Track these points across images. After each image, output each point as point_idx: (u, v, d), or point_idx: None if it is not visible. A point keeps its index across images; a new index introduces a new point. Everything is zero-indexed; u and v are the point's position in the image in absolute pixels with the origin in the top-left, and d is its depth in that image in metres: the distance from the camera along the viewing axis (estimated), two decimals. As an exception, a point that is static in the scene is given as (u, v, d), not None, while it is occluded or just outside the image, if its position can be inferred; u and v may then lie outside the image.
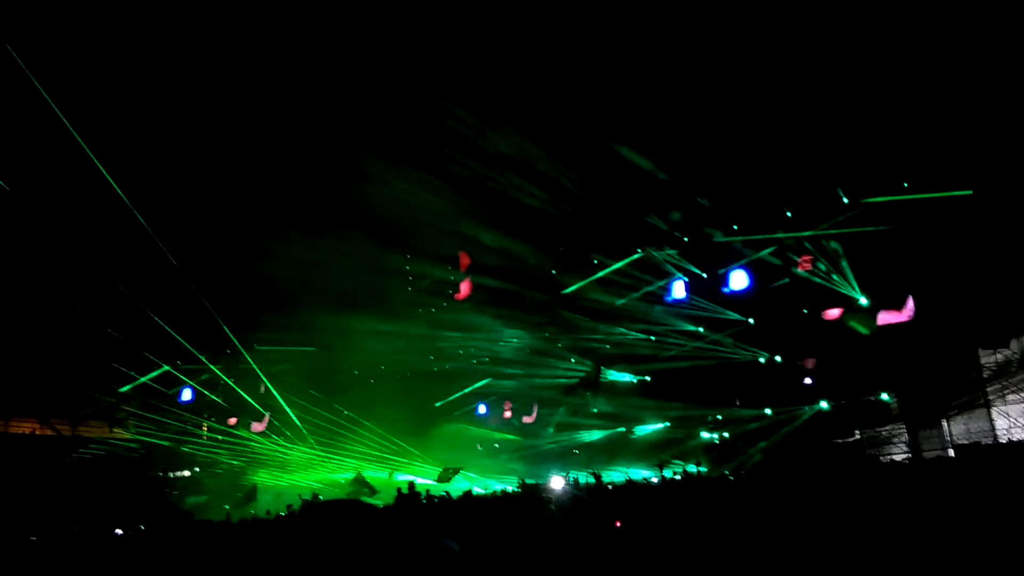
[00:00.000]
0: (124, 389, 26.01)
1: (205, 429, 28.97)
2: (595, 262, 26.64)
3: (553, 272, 27.34)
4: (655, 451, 25.27)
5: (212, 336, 25.05)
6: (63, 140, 18.44)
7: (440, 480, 25.38)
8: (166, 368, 26.17)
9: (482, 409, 29.34)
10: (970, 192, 19.71)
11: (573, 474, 20.99)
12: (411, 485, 12.22)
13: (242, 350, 25.93)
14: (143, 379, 25.92)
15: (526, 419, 28.68)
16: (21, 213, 19.80)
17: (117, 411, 26.35)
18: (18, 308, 21.92)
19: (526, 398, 28.62)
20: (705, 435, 24.55)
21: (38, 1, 17.85)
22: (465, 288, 26.22)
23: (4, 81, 17.60)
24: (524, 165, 22.71)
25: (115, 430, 25.90)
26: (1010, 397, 19.61)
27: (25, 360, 22.78)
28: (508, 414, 29.14)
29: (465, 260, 25.99)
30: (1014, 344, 19.69)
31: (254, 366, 26.58)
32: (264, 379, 26.80)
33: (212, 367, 26.27)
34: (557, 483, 17.84)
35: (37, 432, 24.11)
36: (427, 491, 17.69)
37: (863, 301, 22.25)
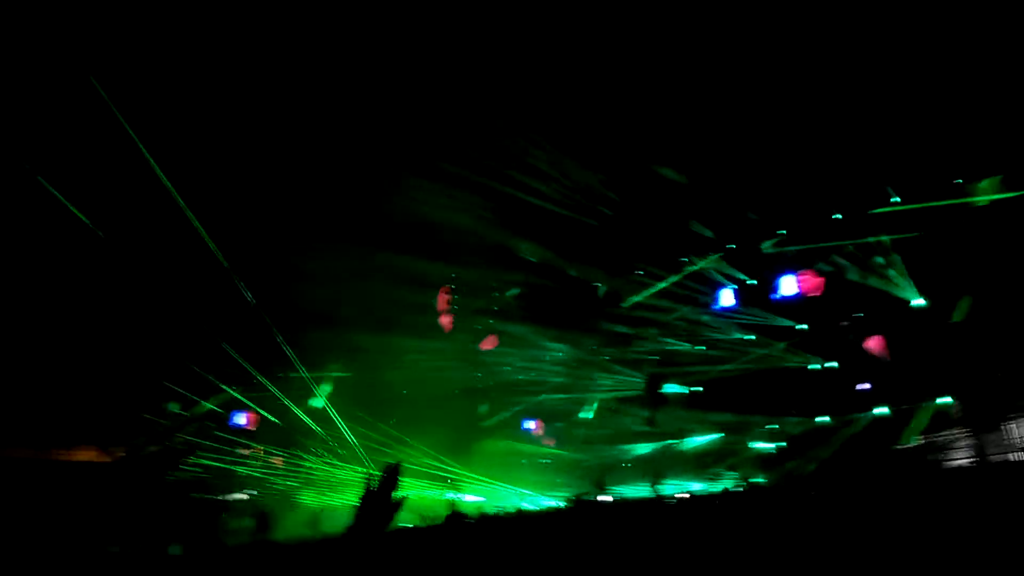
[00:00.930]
0: (175, 409, 26.61)
1: (261, 452, 29.36)
2: (641, 273, 26.51)
3: (598, 285, 27.25)
4: (707, 463, 24.88)
5: (259, 360, 25.47)
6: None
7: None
8: (225, 391, 26.68)
9: (530, 425, 29.24)
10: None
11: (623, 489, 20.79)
12: (452, 506, 12.00)
13: (304, 372, 26.31)
14: (206, 403, 26.48)
15: (534, 430, 28.83)
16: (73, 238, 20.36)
17: (172, 437, 26.84)
18: (74, 335, 22.54)
19: (567, 414, 28.54)
20: (759, 445, 24.06)
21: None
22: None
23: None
24: (567, 179, 22.77)
25: (171, 458, 26.35)
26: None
27: (84, 388, 23.36)
28: (538, 431, 29.21)
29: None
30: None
31: (313, 386, 26.91)
32: (323, 398, 27.05)
33: (273, 389, 26.66)
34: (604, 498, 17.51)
35: (95, 460, 24.64)
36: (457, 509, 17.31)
37: (919, 301, 21.72)
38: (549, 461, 28.48)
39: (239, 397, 27.69)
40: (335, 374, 28.94)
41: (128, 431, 25.30)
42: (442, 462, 27.45)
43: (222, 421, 28.49)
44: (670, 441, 26.02)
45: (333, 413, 27.37)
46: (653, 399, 26.21)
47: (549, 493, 26.11)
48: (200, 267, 22.27)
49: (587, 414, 27.81)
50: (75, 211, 19.50)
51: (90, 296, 22.40)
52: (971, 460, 19.62)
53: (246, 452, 28.32)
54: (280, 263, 23.98)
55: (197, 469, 27.39)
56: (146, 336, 23.88)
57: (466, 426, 28.61)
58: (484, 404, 29.00)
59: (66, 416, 23.78)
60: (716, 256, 25.14)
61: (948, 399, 20.92)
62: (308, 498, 27.55)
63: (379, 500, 7.59)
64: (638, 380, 26.66)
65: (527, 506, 25.00)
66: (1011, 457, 18.98)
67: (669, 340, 26.16)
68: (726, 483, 22.98)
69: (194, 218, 20.59)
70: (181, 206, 20.34)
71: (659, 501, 16.16)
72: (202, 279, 22.75)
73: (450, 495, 26.21)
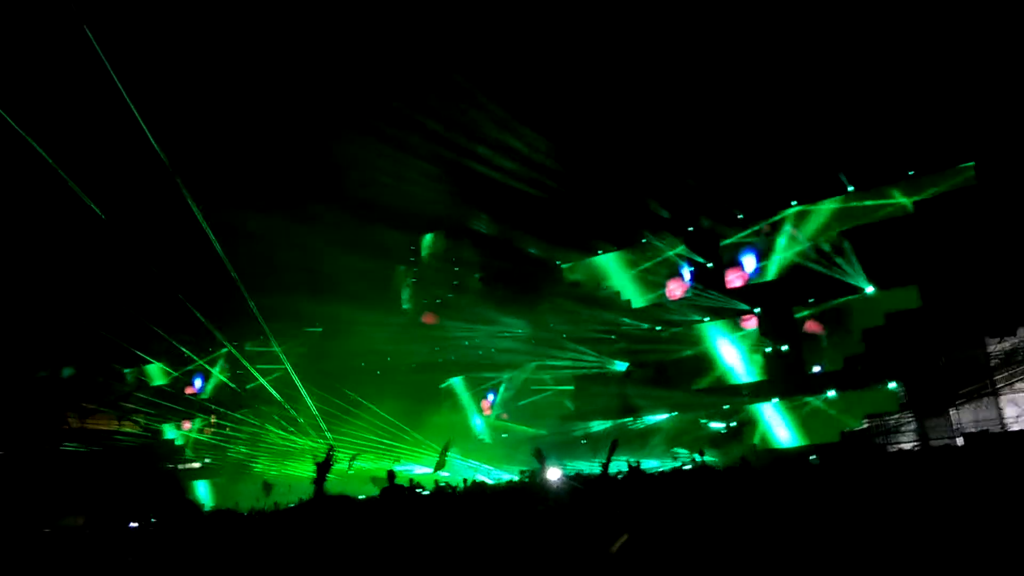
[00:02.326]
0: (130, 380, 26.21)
1: (213, 419, 29.10)
2: (599, 251, 26.67)
3: (558, 262, 27.38)
4: (665, 441, 25.30)
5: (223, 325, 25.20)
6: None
7: (439, 467, 25.42)
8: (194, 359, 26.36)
9: (489, 399, 29.41)
10: (971, 164, 19.78)
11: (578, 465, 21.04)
12: (391, 474, 11.61)
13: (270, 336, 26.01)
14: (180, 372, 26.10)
15: (484, 406, 29.11)
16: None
17: (124, 402, 26.47)
18: (26, 301, 22.02)
19: (524, 391, 28.77)
20: (713, 425, 24.55)
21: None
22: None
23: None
24: (528, 154, 22.71)
25: (123, 423, 26.02)
26: (1018, 385, 19.56)
27: (36, 354, 22.90)
28: (487, 410, 29.41)
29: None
30: (1021, 332, 19.64)
31: (278, 351, 26.59)
32: (287, 363, 26.77)
33: (235, 353, 26.32)
34: (554, 474, 17.65)
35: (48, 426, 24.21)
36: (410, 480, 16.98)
37: (869, 290, 22.24)
38: (506, 436, 28.74)
39: (200, 362, 27.36)
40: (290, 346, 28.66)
41: (81, 395, 24.94)
42: (399, 433, 27.50)
43: (179, 387, 28.18)
44: (626, 419, 26.40)
45: (295, 378, 27.14)
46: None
47: (506, 467, 26.35)
48: (166, 232, 21.93)
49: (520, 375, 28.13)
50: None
51: (44, 255, 21.90)
52: (915, 444, 20.35)
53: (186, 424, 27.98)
54: (244, 230, 23.65)
55: (147, 434, 27.06)
56: (103, 297, 23.43)
57: (424, 399, 28.68)
58: (443, 377, 29.10)
59: (13, 380, 23.32)
60: (676, 239, 25.45)
61: (894, 384, 21.55)
62: (263, 466, 27.43)
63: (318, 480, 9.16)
64: (593, 358, 26.97)
65: (483, 479, 25.22)
66: (954, 442, 19.69)
67: (625, 319, 26.46)
68: (678, 462, 23.45)
69: (181, 188, 20.19)
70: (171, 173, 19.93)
71: (608, 476, 16.40)
72: (168, 244, 22.39)
73: (399, 467, 26.34)
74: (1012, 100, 17.74)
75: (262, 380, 26.65)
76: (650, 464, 23.35)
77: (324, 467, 9.33)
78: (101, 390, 25.74)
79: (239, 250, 23.00)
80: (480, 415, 29.49)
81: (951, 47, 17.57)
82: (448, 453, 23.99)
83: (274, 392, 26.75)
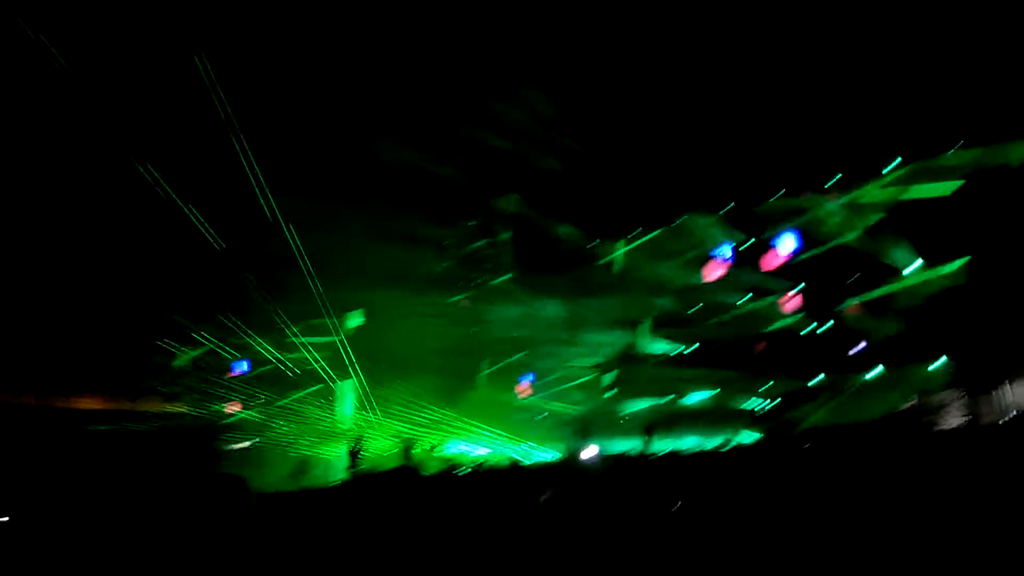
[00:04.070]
0: (178, 363, 26.67)
1: (262, 400, 29.58)
2: (640, 230, 26.47)
3: (597, 241, 27.24)
4: (706, 420, 25.16)
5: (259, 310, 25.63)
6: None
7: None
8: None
9: (527, 380, 29.46)
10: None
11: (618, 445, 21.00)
12: (407, 449, 10.95)
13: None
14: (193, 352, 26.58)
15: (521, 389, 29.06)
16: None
17: (173, 385, 27.00)
18: (70, 290, 22.60)
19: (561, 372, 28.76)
20: (756, 404, 24.34)
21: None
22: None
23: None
24: (562, 136, 22.60)
25: (174, 404, 26.54)
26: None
27: (85, 339, 23.46)
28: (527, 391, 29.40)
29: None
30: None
31: (336, 336, 26.97)
32: (341, 342, 27.11)
33: (290, 333, 26.76)
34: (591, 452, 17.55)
35: (99, 408, 24.85)
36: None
37: (917, 265, 21.80)
38: (547, 414, 28.78)
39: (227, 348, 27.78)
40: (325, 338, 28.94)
41: (132, 378, 25.49)
42: (438, 413, 27.71)
43: (223, 370, 28.63)
44: (666, 398, 26.29)
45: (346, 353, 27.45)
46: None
47: (547, 446, 26.43)
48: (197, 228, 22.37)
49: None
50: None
51: (89, 246, 22.42)
52: (964, 422, 19.91)
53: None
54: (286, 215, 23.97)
55: (196, 415, 27.58)
56: (146, 284, 23.92)
57: (462, 379, 28.83)
58: (482, 359, 29.19)
59: (68, 363, 23.95)
60: (716, 217, 25.16)
61: (943, 361, 21.13)
62: (302, 447, 27.81)
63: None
64: (634, 340, 26.88)
65: (521, 458, 25.34)
66: (1002, 421, 19.25)
67: (665, 299, 26.28)
68: (719, 439, 23.31)
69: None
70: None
71: (649, 456, 16.37)
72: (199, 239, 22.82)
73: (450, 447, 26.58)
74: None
75: (313, 357, 27.07)
76: (690, 442, 23.29)
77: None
78: (151, 372, 26.29)
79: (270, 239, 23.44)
80: (519, 397, 29.60)
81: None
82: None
83: (325, 369, 27.16)
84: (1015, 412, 18.84)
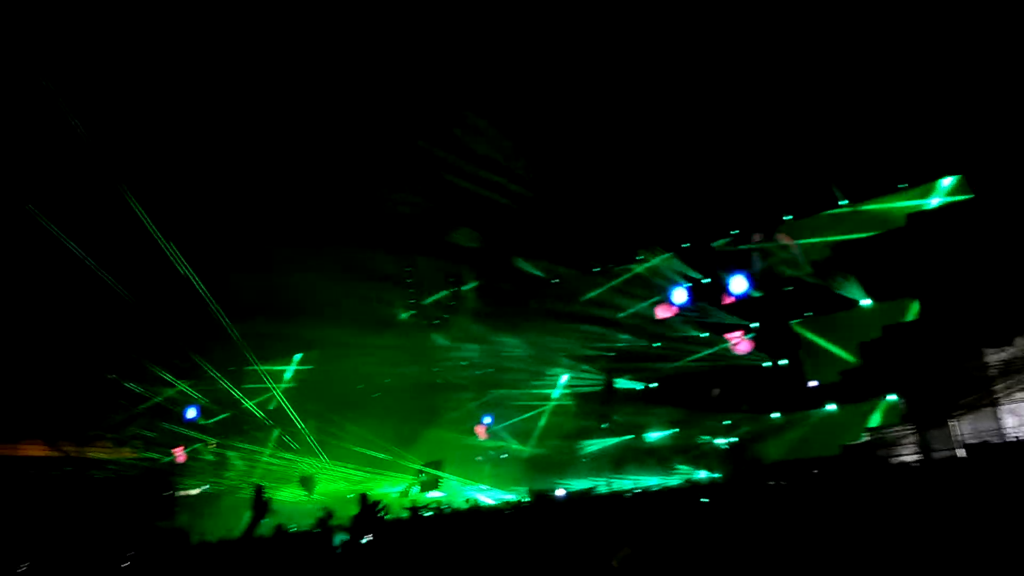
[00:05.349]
0: (142, 407, 26.17)
1: (213, 446, 28.96)
2: (596, 269, 26.71)
3: (555, 281, 27.38)
4: (663, 457, 25.21)
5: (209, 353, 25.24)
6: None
7: (424, 488, 25.25)
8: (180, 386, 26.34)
9: (486, 421, 29.31)
10: (958, 177, 19.84)
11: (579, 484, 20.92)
12: (363, 497, 10.71)
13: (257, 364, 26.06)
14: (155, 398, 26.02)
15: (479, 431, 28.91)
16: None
17: (125, 430, 26.33)
18: (21, 329, 21.95)
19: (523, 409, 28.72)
20: (714, 441, 24.48)
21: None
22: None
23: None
24: (517, 171, 22.74)
25: (123, 451, 25.87)
26: (1017, 395, 19.53)
27: (31, 382, 22.77)
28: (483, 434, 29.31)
29: None
30: (1019, 342, 19.64)
31: (270, 384, 26.72)
32: (278, 393, 26.92)
33: (227, 384, 26.33)
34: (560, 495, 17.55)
35: (44, 455, 24.05)
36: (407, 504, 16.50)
37: (866, 302, 22.27)
38: (506, 456, 28.59)
39: (190, 392, 27.30)
40: (285, 367, 28.75)
41: (77, 425, 24.77)
42: (396, 456, 27.39)
43: (172, 416, 28.05)
44: (625, 437, 26.31)
45: (287, 406, 27.19)
46: (608, 396, 26.53)
47: (507, 488, 26.22)
48: (151, 260, 21.89)
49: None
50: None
51: (34, 286, 21.86)
52: (916, 456, 20.29)
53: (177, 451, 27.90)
54: (232, 255, 23.66)
55: (145, 463, 26.90)
56: (94, 329, 23.38)
57: (422, 420, 28.58)
58: (440, 398, 28.99)
59: (11, 410, 23.19)
60: (668, 255, 25.50)
61: (895, 397, 21.52)
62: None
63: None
64: (593, 376, 26.95)
65: (484, 500, 25.08)
66: (956, 453, 19.64)
67: (623, 336, 26.42)
68: (680, 477, 23.36)
69: (145, 217, 20.22)
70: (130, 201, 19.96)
71: (616, 495, 16.35)
72: (152, 272, 22.34)
73: (409, 488, 26.20)
74: (1005, 108, 17.83)
75: (251, 406, 26.73)
76: (651, 481, 23.29)
77: (258, 507, 9.13)
78: (98, 418, 25.60)
79: (227, 277, 23.13)
80: (477, 438, 29.39)
81: (940, 55, 17.67)
82: (440, 472, 23.86)
83: (265, 419, 26.85)
84: (968, 444, 19.22)
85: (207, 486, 28.11)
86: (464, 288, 28.53)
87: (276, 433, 28.12)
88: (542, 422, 28.26)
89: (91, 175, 19.83)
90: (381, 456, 27.10)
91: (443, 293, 28.69)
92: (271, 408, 27.92)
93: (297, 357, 29.53)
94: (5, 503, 20.74)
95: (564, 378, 27.63)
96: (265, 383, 27.77)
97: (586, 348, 26.71)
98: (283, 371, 29.22)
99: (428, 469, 26.52)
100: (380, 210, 23.90)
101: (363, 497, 11.27)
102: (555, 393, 27.95)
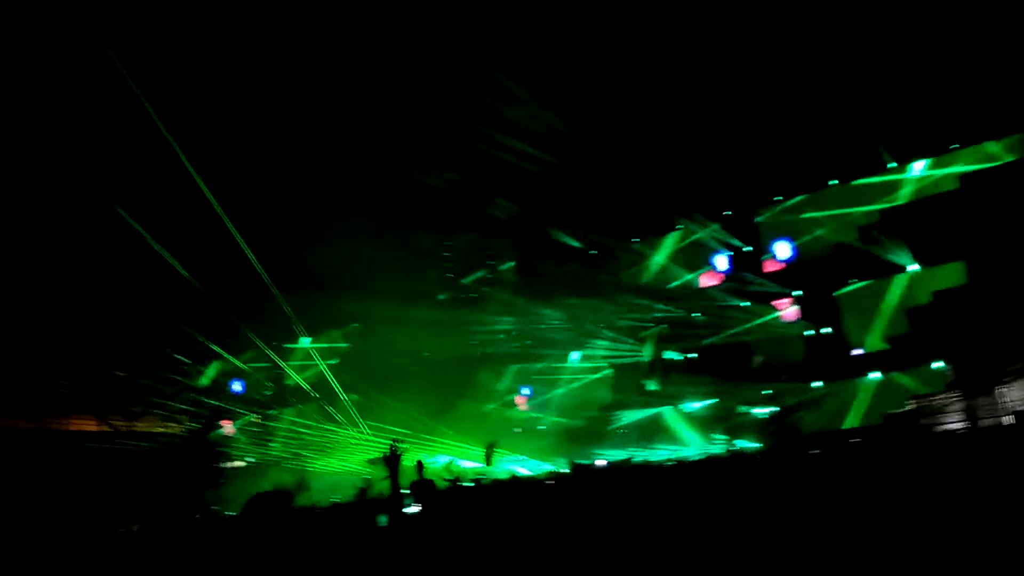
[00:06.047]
0: (202, 382, 26.81)
1: (257, 418, 29.50)
2: (636, 240, 26.50)
3: (593, 252, 27.22)
4: (704, 428, 25.08)
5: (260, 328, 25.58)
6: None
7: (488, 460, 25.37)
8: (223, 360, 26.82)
9: (525, 392, 29.42)
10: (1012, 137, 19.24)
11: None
12: (419, 465, 11.01)
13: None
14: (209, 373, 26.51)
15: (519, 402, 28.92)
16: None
17: (170, 406, 26.91)
18: (70, 309, 22.48)
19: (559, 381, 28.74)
20: (755, 411, 24.25)
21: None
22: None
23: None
24: (557, 145, 22.55)
25: (168, 424, 26.44)
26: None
27: (83, 359, 23.36)
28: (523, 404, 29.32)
29: None
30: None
31: (316, 359, 27.06)
32: (323, 365, 27.27)
33: (275, 357, 26.76)
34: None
35: (95, 429, 24.72)
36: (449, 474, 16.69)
37: (914, 267, 21.81)
38: (544, 428, 28.67)
39: (238, 364, 27.76)
40: (329, 344, 29.08)
41: (126, 399, 25.40)
42: (434, 428, 27.62)
43: (220, 390, 28.58)
44: (664, 407, 26.20)
45: (331, 378, 27.50)
46: (656, 363, 26.43)
47: (546, 459, 26.31)
48: (199, 236, 22.21)
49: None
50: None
51: (86, 262, 22.34)
52: (962, 424, 19.86)
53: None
54: (278, 232, 23.91)
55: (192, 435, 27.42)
56: (141, 306, 23.84)
57: (461, 393, 28.74)
58: (480, 371, 29.11)
59: (62, 385, 23.84)
60: (714, 224, 25.21)
61: (941, 364, 21.07)
62: (304, 463, 27.71)
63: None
64: (633, 348, 26.85)
65: (520, 471, 25.20)
66: (1003, 421, 19.19)
67: (664, 306, 26.24)
68: (719, 448, 23.23)
69: (205, 189, 20.48)
70: (190, 171, 20.22)
71: (655, 465, 16.29)
72: (201, 248, 22.68)
73: (445, 460, 26.41)
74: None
75: (298, 379, 27.10)
76: (688, 452, 23.20)
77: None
78: (145, 393, 26.20)
79: (273, 252, 23.35)
80: (514, 409, 29.52)
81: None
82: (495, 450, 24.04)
83: (310, 390, 27.21)
84: (1016, 411, 18.75)
85: (253, 457, 28.69)
86: (503, 262, 28.52)
87: (319, 405, 28.50)
88: (579, 393, 28.25)
89: (153, 159, 20.15)
90: (421, 428, 27.37)
91: (482, 269, 28.74)
92: (314, 382, 28.30)
93: (339, 332, 29.84)
94: (60, 475, 21.37)
95: (600, 350, 27.53)
96: (311, 358, 28.15)
97: (625, 319, 26.58)
98: (327, 347, 29.55)
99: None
100: (418, 185, 23.92)
101: (419, 464, 11.69)
102: (591, 365, 27.89)
